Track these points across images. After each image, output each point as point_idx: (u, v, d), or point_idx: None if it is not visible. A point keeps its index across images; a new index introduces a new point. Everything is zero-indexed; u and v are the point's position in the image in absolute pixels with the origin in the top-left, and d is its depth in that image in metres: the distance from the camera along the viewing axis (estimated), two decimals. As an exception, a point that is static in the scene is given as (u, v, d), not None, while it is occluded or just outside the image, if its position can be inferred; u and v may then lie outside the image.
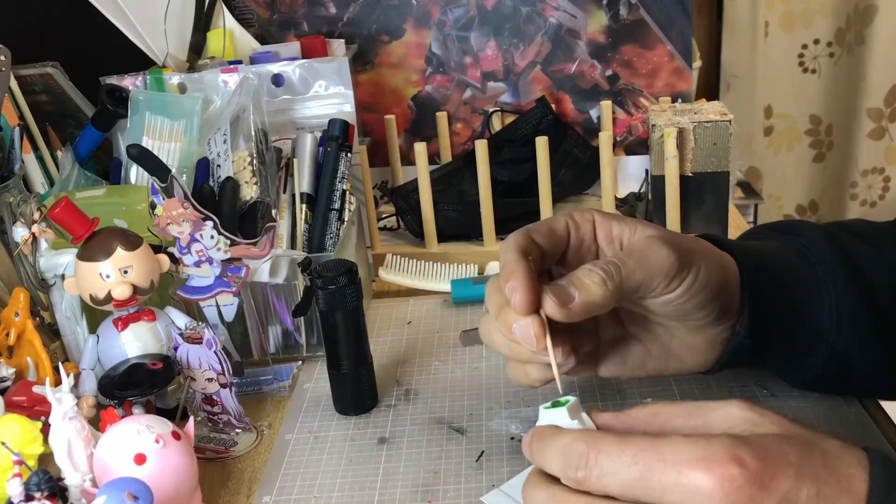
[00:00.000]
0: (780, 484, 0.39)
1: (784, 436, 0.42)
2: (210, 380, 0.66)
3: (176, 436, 0.55)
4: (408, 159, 1.06)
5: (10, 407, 0.63)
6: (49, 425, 0.54)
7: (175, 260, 0.70)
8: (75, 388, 0.61)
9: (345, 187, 0.85)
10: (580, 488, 0.43)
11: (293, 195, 0.85)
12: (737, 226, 0.98)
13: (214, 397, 0.67)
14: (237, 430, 0.69)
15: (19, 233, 0.69)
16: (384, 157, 1.06)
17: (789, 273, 0.59)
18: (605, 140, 0.94)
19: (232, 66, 0.90)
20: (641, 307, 0.56)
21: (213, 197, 0.79)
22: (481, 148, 0.90)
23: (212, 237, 0.70)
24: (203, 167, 0.83)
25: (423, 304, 0.88)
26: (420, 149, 0.92)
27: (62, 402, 0.54)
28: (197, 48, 1.00)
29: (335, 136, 0.85)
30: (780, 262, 0.59)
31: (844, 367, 0.59)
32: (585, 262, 0.55)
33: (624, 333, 0.60)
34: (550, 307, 0.51)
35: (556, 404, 0.49)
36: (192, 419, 0.59)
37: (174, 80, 0.90)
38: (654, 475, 0.40)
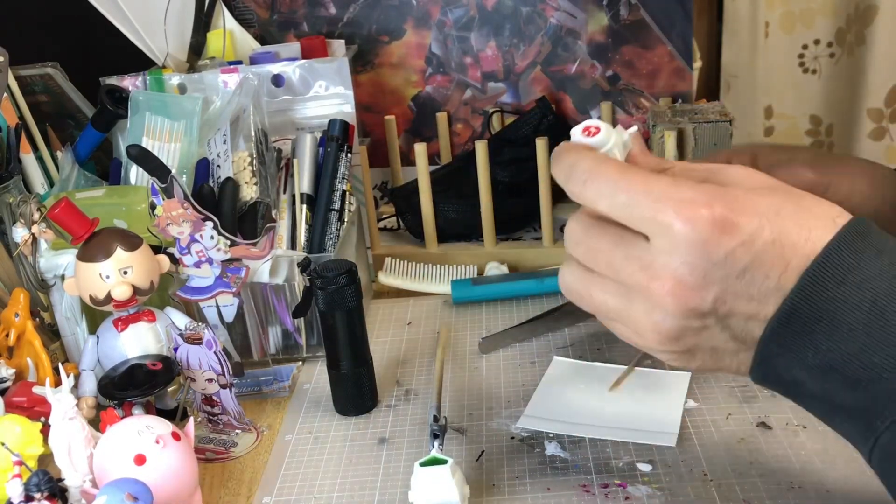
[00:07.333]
0: (741, 230, 0.43)
1: (769, 188, 0.46)
2: (210, 380, 0.66)
3: (176, 436, 0.55)
4: (408, 159, 1.06)
5: (10, 407, 0.63)
6: (49, 426, 0.54)
7: (175, 260, 0.70)
8: (75, 388, 0.61)
9: (345, 188, 0.85)
10: (576, 200, 0.47)
11: (293, 195, 0.85)
12: (737, 226, 0.98)
13: (214, 398, 0.67)
14: (237, 431, 0.69)
15: (19, 233, 0.69)
16: (384, 158, 1.05)
17: None
18: (605, 140, 0.93)
19: (232, 67, 0.90)
20: None
21: (213, 197, 0.79)
22: (481, 148, 0.90)
23: (212, 237, 0.71)
24: (203, 168, 0.83)
25: (423, 305, 0.88)
26: (420, 149, 0.91)
27: (62, 403, 0.54)
28: (197, 48, 1.00)
29: (335, 137, 0.85)
30: None
31: None
32: None
33: None
34: None
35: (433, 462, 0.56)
36: (191, 420, 0.59)
37: (174, 80, 0.90)
38: (637, 205, 0.45)
